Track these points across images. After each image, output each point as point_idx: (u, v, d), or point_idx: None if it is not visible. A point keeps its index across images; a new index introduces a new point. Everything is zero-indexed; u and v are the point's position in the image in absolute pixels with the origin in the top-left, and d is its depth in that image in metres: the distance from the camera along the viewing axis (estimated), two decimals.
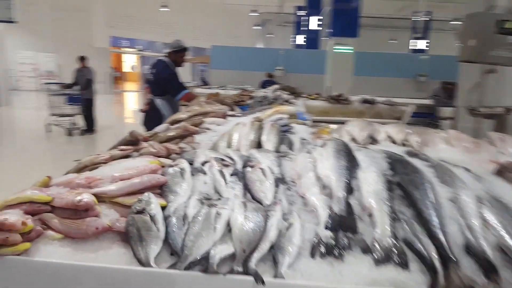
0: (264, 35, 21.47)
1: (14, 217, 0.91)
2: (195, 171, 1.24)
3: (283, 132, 1.83)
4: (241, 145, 1.57)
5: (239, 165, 1.26)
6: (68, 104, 7.54)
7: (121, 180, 1.11)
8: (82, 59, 7.68)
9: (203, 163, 1.29)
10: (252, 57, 12.16)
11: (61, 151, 6.76)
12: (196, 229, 0.95)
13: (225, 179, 1.17)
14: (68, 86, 7.76)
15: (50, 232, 0.97)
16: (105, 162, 1.35)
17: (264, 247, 0.92)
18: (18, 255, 0.90)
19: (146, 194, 1.04)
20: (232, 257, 0.91)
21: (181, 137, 1.73)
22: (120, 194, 1.06)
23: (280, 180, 1.22)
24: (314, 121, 2.63)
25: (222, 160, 1.28)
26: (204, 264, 0.89)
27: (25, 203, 0.99)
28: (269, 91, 4.45)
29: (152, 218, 0.98)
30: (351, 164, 1.22)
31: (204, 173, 1.23)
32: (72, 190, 1.04)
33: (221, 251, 0.90)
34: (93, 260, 0.92)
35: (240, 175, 1.21)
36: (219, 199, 1.07)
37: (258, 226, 0.95)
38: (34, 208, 0.99)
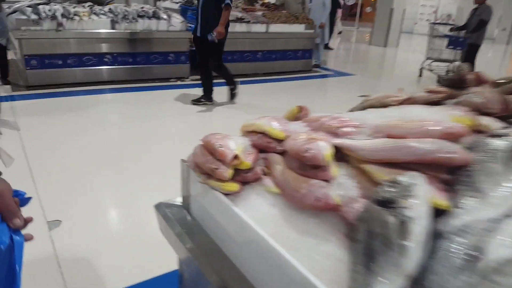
0: None
1: (232, 145, 0.69)
2: None
3: None
4: None
5: None
6: (449, 48, 6.48)
7: (388, 137, 0.64)
8: None
9: None
10: None
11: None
12: None
13: None
14: (458, 28, 6.92)
15: (267, 181, 0.69)
16: (398, 104, 0.89)
17: None
18: (226, 194, 0.69)
19: (412, 174, 0.53)
20: None
21: None
22: (373, 159, 0.61)
23: None
24: None
25: None
26: None
27: (259, 133, 0.75)
28: None
29: (402, 224, 0.48)
30: None
31: None
32: (311, 132, 0.70)
33: None
34: (285, 240, 0.56)
35: None
36: None
37: None
38: (262, 143, 0.73)
